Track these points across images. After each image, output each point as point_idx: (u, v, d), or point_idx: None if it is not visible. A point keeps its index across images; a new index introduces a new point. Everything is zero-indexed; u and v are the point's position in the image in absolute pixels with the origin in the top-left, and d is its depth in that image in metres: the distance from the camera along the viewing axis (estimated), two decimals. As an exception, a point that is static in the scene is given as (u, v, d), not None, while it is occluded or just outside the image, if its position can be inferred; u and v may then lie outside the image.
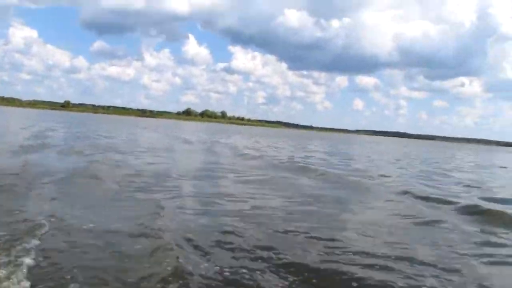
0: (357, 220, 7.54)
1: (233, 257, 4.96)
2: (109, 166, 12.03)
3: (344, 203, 9.34)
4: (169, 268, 4.26)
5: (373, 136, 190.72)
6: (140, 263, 4.44)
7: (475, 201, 10.51)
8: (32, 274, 3.97)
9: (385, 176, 15.53)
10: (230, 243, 5.47)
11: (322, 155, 27.41)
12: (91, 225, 5.75)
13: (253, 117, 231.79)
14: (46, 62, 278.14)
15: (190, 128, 76.32)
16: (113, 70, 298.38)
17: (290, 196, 9.63)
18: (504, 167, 29.51)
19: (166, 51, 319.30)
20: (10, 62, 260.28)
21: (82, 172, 10.52)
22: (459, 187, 13.86)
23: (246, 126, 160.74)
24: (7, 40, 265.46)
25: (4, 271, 3.88)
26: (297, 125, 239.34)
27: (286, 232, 6.27)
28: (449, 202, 9.78)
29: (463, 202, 9.93)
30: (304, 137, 80.00)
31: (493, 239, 6.80)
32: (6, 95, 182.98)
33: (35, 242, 4.77)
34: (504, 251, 6.12)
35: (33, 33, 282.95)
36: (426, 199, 10.24)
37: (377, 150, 42.36)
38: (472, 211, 8.90)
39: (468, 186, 14.19)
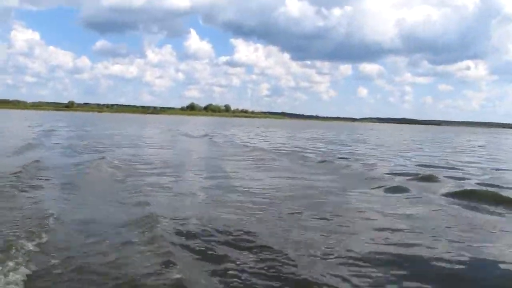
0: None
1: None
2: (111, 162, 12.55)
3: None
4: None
5: (378, 124, 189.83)
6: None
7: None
8: (34, 265, 4.23)
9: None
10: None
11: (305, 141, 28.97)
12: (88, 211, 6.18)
13: (257, 110, 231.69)
14: (49, 64, 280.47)
15: (193, 122, 76.63)
16: (116, 68, 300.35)
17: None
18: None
19: (168, 47, 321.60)
20: (14, 65, 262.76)
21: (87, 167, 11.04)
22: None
23: (249, 119, 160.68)
24: (10, 43, 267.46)
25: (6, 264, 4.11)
26: (302, 115, 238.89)
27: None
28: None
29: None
30: (300, 126, 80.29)
31: None
32: (11, 98, 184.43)
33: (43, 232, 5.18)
34: None
35: (35, 36, 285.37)
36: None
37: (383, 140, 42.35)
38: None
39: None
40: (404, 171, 12.74)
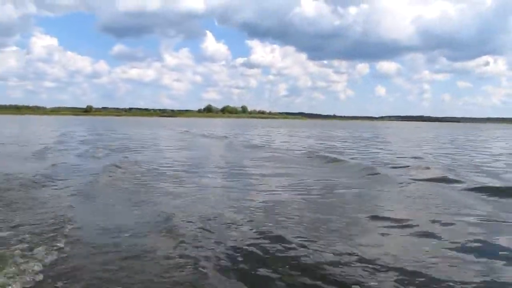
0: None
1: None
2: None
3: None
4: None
5: (396, 122, 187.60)
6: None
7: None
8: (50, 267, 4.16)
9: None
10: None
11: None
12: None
13: (275, 110, 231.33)
14: (68, 69, 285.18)
15: (208, 124, 76.81)
16: (134, 72, 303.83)
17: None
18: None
19: (185, 50, 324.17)
20: (34, 72, 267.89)
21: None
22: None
23: (268, 120, 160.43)
24: (29, 49, 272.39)
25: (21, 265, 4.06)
26: (319, 115, 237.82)
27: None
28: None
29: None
30: (311, 125, 79.59)
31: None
32: (31, 104, 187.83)
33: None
34: None
35: (53, 41, 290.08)
36: None
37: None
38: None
39: None
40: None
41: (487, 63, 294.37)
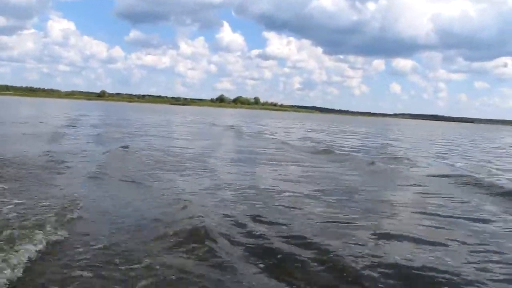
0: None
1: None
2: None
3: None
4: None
5: (409, 120, 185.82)
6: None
7: None
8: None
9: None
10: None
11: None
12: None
13: (289, 103, 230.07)
14: (83, 53, 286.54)
15: (218, 114, 76.93)
16: (149, 59, 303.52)
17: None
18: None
19: (201, 39, 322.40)
20: (50, 55, 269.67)
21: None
22: None
23: (279, 112, 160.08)
24: (46, 33, 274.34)
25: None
26: (332, 110, 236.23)
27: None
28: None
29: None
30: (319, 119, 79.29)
31: None
32: (46, 87, 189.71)
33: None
34: None
35: (70, 25, 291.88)
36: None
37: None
38: None
39: None
40: None
41: (505, 65, 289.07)
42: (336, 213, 6.23)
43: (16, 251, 3.86)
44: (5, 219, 4.84)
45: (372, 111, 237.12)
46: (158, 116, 44.96)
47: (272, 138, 21.50)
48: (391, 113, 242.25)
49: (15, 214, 5.04)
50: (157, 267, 3.87)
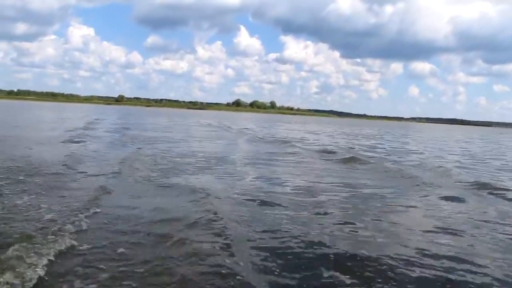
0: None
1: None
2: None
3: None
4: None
5: (426, 124, 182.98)
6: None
7: None
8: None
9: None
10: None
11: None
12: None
13: (306, 107, 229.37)
14: (103, 59, 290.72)
15: (233, 118, 76.96)
16: (167, 64, 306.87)
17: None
18: None
19: (218, 43, 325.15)
20: (70, 60, 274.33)
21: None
22: None
23: (295, 116, 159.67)
24: (66, 39, 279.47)
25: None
26: (350, 114, 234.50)
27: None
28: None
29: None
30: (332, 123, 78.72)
31: None
32: (66, 92, 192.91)
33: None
34: None
35: (90, 31, 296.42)
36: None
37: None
38: None
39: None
40: None
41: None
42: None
43: (36, 253, 3.88)
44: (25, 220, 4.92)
45: (390, 115, 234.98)
46: (177, 119, 45.15)
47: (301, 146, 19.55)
48: (408, 117, 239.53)
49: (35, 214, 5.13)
50: (174, 269, 3.89)
